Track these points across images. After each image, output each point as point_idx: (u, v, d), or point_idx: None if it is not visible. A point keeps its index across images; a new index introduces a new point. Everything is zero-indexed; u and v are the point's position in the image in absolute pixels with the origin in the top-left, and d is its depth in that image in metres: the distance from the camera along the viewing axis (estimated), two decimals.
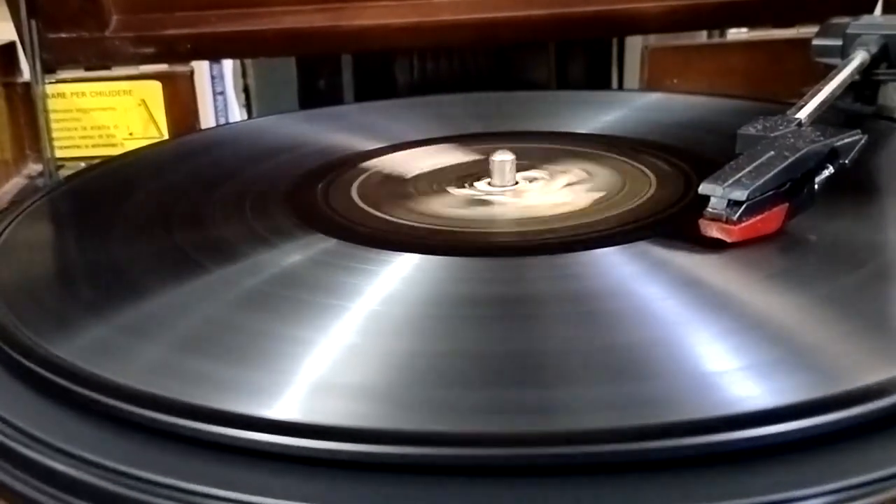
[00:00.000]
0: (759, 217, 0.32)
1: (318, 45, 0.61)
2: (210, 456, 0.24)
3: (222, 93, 0.88)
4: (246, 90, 0.75)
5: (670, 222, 0.36)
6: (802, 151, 0.34)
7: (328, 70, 0.68)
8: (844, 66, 0.46)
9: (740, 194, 0.32)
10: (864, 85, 0.48)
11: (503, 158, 0.41)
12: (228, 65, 0.85)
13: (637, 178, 0.42)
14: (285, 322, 0.30)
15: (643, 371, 0.26)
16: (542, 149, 0.47)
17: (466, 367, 0.27)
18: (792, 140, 0.35)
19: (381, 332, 0.29)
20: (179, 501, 0.23)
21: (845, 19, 0.50)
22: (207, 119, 0.76)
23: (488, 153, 0.42)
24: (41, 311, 0.32)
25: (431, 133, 0.51)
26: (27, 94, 0.58)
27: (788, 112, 0.40)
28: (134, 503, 0.23)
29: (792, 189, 0.34)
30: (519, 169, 0.42)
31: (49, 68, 0.58)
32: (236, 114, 0.84)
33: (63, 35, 0.57)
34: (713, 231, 0.32)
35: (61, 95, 0.59)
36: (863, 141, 0.36)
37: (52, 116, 0.58)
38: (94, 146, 0.60)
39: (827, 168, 0.35)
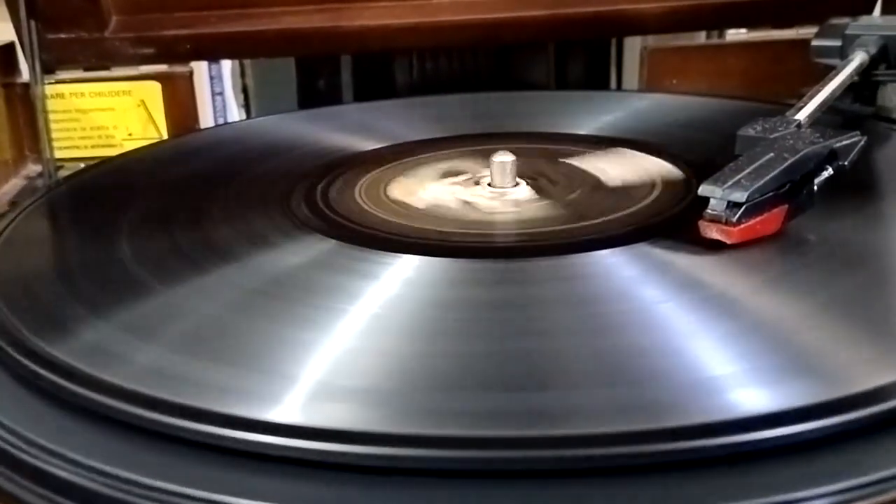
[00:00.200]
0: (758, 218, 0.33)
1: (317, 45, 0.61)
2: (211, 459, 0.24)
3: (221, 93, 0.87)
4: (245, 90, 0.74)
5: (671, 224, 0.36)
6: (802, 153, 0.34)
7: (327, 70, 0.67)
8: (844, 66, 0.46)
9: (740, 196, 0.32)
10: (863, 86, 0.48)
11: (503, 159, 0.41)
12: (227, 65, 0.84)
13: (637, 179, 0.42)
14: (285, 324, 0.30)
15: (645, 374, 0.26)
16: (542, 149, 0.47)
17: (467, 370, 0.27)
18: (791, 141, 0.35)
19: (381, 335, 0.29)
20: None
21: (844, 20, 0.50)
22: (206, 119, 0.76)
23: (488, 154, 0.42)
24: (40, 312, 0.32)
25: (431, 133, 0.51)
26: (26, 95, 0.58)
27: (788, 113, 0.40)
28: None
29: (791, 190, 0.34)
30: (519, 170, 0.42)
31: (48, 69, 0.58)
32: (235, 114, 0.84)
33: (62, 35, 0.57)
34: (713, 232, 0.32)
35: (60, 96, 0.59)
36: (862, 142, 0.36)
37: (52, 117, 0.58)
38: (93, 147, 0.60)
39: (826, 169, 0.35)
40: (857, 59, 0.47)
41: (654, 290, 0.31)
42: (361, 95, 0.67)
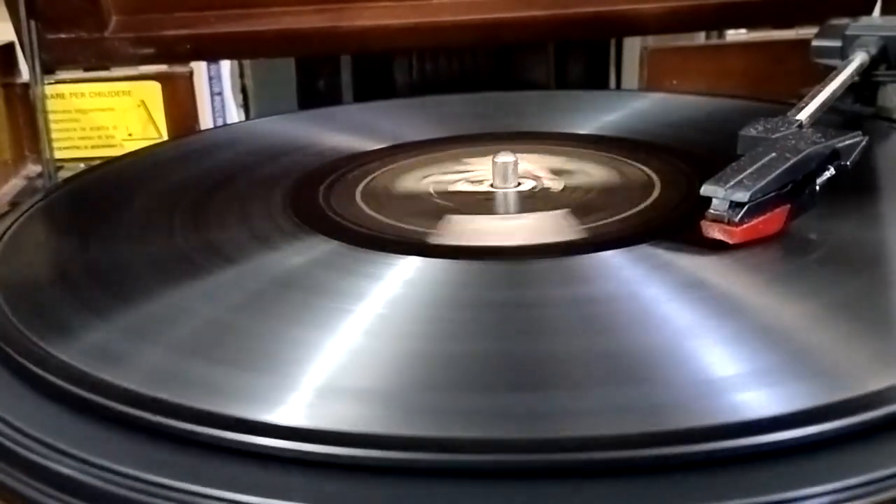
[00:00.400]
0: (760, 218, 0.33)
1: (317, 45, 0.61)
2: (213, 459, 0.24)
3: (220, 93, 0.87)
4: (244, 90, 0.74)
5: (672, 224, 0.36)
6: (804, 153, 0.34)
7: (327, 70, 0.67)
8: (844, 67, 0.46)
9: (742, 196, 0.32)
10: (863, 86, 0.48)
11: (505, 160, 0.41)
12: (226, 65, 0.84)
13: (640, 179, 0.42)
14: (289, 325, 0.30)
15: (648, 376, 0.26)
16: (544, 150, 0.47)
17: (470, 372, 0.27)
18: (793, 141, 0.35)
19: (384, 336, 0.29)
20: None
21: (844, 20, 0.50)
22: (205, 119, 0.76)
23: (490, 154, 0.42)
24: (43, 314, 0.32)
25: (433, 134, 0.51)
26: (26, 95, 0.58)
27: (789, 113, 0.40)
28: None
29: (793, 190, 0.34)
30: (521, 170, 0.42)
31: (48, 69, 0.58)
32: (234, 114, 0.84)
33: (62, 35, 0.57)
34: (715, 232, 0.32)
35: (60, 96, 0.59)
36: (864, 142, 0.36)
37: (51, 117, 0.58)
38: (93, 147, 0.59)
39: (828, 169, 0.35)
40: (858, 59, 0.47)
41: (657, 291, 0.31)
42: (361, 96, 0.67)
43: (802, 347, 0.27)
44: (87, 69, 0.60)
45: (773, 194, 0.33)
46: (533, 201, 0.40)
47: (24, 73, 0.59)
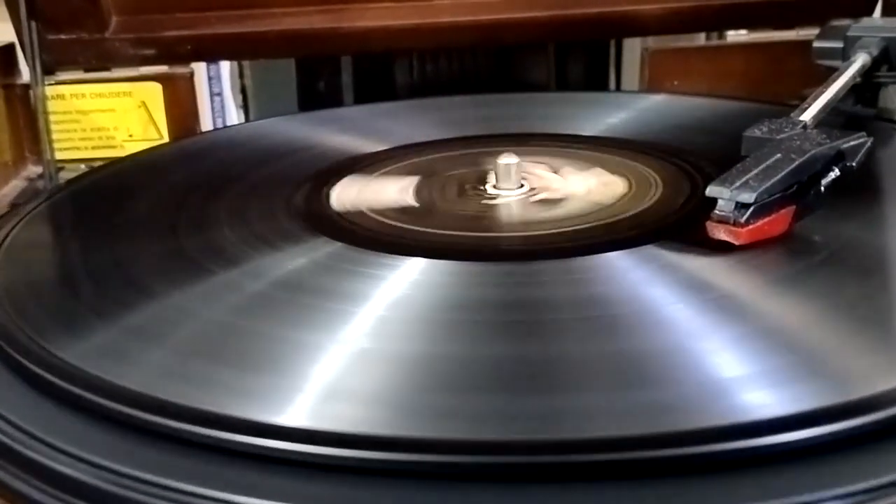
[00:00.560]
0: (766, 219, 0.33)
1: (318, 46, 0.61)
2: (215, 461, 0.24)
3: (219, 94, 0.87)
4: (243, 91, 0.74)
5: (677, 225, 0.36)
6: (809, 154, 0.34)
7: (328, 71, 0.67)
8: (846, 68, 0.46)
9: (748, 197, 0.32)
10: (864, 87, 0.48)
11: (508, 161, 0.41)
12: (226, 66, 0.84)
13: (643, 181, 0.42)
14: (293, 327, 0.30)
15: (653, 377, 0.26)
16: (546, 151, 0.47)
17: (474, 374, 0.27)
18: (798, 143, 0.35)
19: (388, 338, 0.29)
20: None
21: (845, 21, 0.50)
22: (204, 120, 0.76)
23: (493, 156, 0.42)
24: (47, 315, 0.32)
25: (435, 135, 0.51)
26: (26, 96, 0.58)
27: (793, 115, 0.40)
28: None
29: (798, 191, 0.34)
30: (524, 172, 0.42)
31: (49, 70, 0.58)
32: (233, 115, 0.84)
33: (63, 36, 0.57)
34: (721, 233, 0.32)
35: (61, 97, 0.59)
36: (869, 143, 0.36)
37: (52, 118, 0.58)
38: (93, 148, 0.59)
39: (833, 170, 0.35)
40: (860, 60, 0.47)
41: (663, 292, 0.31)
42: (362, 96, 0.67)
43: (809, 349, 0.27)
44: (87, 70, 0.60)
45: (778, 195, 0.33)
46: (537, 201, 0.40)
47: (25, 74, 0.59)
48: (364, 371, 0.27)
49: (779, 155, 0.34)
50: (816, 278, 0.31)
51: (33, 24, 0.56)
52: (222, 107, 0.87)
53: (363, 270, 0.33)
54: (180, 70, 0.61)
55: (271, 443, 0.23)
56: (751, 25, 0.64)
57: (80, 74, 0.60)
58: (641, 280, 0.32)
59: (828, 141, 0.35)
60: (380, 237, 0.37)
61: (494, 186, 0.42)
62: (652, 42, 0.66)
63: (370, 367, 0.27)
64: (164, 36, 0.59)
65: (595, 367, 0.27)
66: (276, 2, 0.59)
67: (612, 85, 0.70)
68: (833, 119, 0.42)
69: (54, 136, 0.58)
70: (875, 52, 0.48)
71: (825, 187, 0.35)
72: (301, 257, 0.35)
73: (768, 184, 0.32)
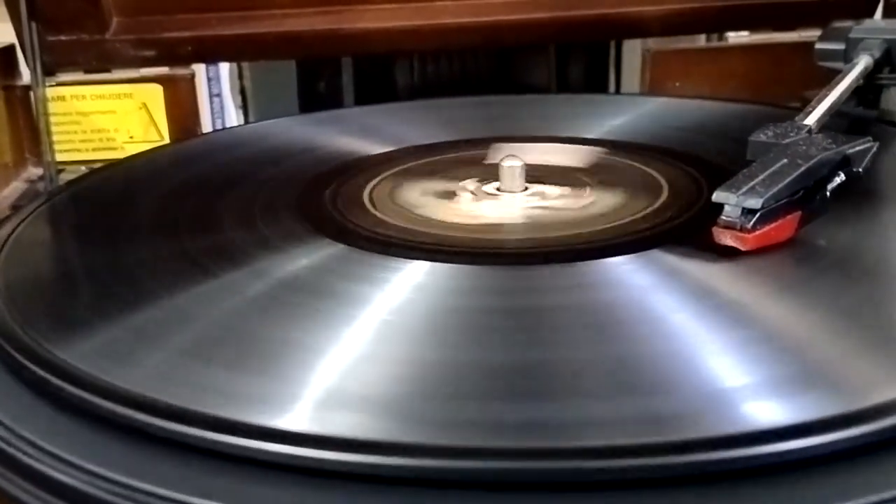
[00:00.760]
0: (772, 225, 0.32)
1: (319, 48, 0.60)
2: (217, 465, 0.24)
3: (219, 95, 0.87)
4: (242, 92, 0.74)
5: (682, 230, 0.36)
6: (815, 159, 0.34)
7: (328, 72, 0.67)
8: (849, 70, 0.46)
9: (755, 202, 0.32)
10: (866, 89, 0.48)
11: (512, 164, 0.41)
12: (225, 67, 0.84)
13: (647, 184, 0.42)
14: (294, 330, 0.29)
15: (657, 385, 0.26)
16: (550, 153, 0.47)
17: (476, 379, 0.26)
18: (804, 147, 0.35)
19: (390, 342, 0.29)
20: None
21: (847, 23, 0.50)
22: (203, 121, 0.76)
23: (497, 158, 0.42)
24: (48, 317, 0.32)
25: (438, 137, 0.51)
26: (27, 98, 0.58)
27: (797, 118, 0.40)
28: None
29: (805, 197, 0.34)
30: (527, 174, 0.42)
31: (49, 71, 0.58)
32: (232, 116, 0.84)
33: (63, 37, 0.57)
34: (727, 239, 0.32)
35: (61, 98, 0.58)
36: (875, 148, 0.36)
37: (52, 120, 0.58)
38: (94, 150, 0.59)
39: (838, 175, 0.35)
40: (863, 62, 0.47)
41: (668, 298, 0.31)
42: (362, 98, 0.67)
43: (815, 357, 0.27)
44: (87, 71, 0.59)
45: (784, 201, 0.33)
46: (542, 205, 0.40)
47: (25, 76, 0.59)
48: (365, 375, 0.27)
49: (785, 160, 0.34)
50: (823, 284, 0.31)
51: (34, 25, 0.56)
52: (221, 108, 0.87)
53: (366, 273, 0.33)
54: (181, 71, 0.61)
55: (271, 447, 0.23)
56: (752, 27, 0.64)
57: (80, 76, 0.59)
58: (646, 285, 0.32)
59: (834, 146, 0.35)
60: (382, 239, 0.37)
61: (498, 189, 0.42)
62: (652, 43, 0.66)
63: (371, 372, 0.27)
64: (164, 37, 0.58)
65: (599, 374, 0.26)
66: (277, 3, 0.59)
67: (612, 87, 0.70)
68: (835, 121, 0.42)
69: (55, 138, 0.58)
70: (877, 54, 0.48)
71: (831, 192, 0.35)
72: (303, 259, 0.35)
73: (775, 189, 0.32)
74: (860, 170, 0.35)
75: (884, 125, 0.47)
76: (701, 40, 0.69)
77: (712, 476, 0.22)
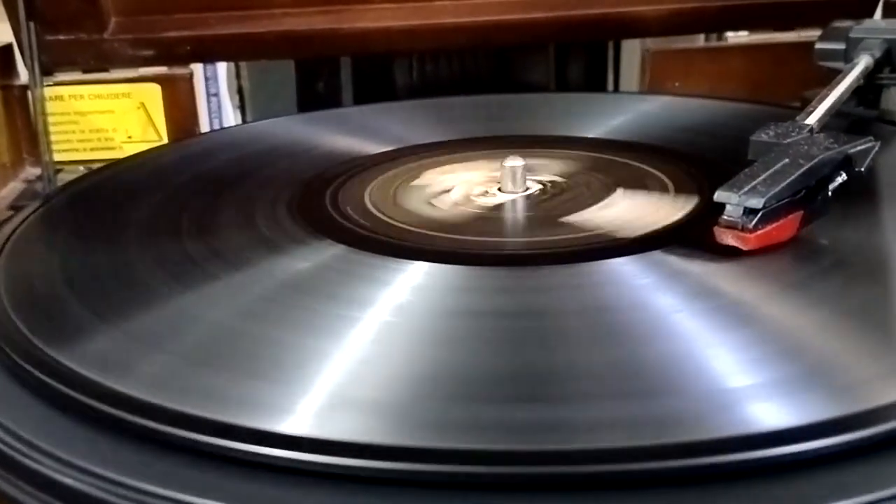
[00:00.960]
0: (774, 225, 0.32)
1: (318, 47, 0.60)
2: (217, 469, 0.24)
3: (216, 94, 0.87)
4: (240, 91, 0.74)
5: (684, 230, 0.36)
6: (817, 159, 0.34)
7: (327, 72, 0.67)
8: (850, 70, 0.46)
9: (757, 202, 0.32)
10: (867, 89, 0.48)
11: (514, 164, 0.41)
12: (222, 66, 0.84)
13: (649, 184, 0.42)
14: (295, 332, 0.29)
15: (659, 386, 0.25)
16: (552, 153, 0.47)
17: (479, 381, 0.26)
18: (806, 147, 0.35)
19: (392, 344, 0.29)
20: None
21: (847, 23, 0.50)
22: (201, 121, 0.76)
23: (498, 158, 0.42)
24: (48, 319, 0.32)
25: (439, 136, 0.51)
26: (25, 97, 0.58)
27: (798, 118, 0.40)
28: None
29: (806, 196, 0.34)
30: (529, 174, 0.42)
31: (47, 71, 0.57)
32: (230, 115, 0.83)
33: (61, 37, 0.57)
34: (729, 239, 0.32)
35: (59, 98, 0.58)
36: (876, 148, 0.36)
37: (50, 119, 0.58)
38: (92, 149, 0.59)
39: (840, 175, 0.35)
40: (863, 62, 0.47)
41: (670, 299, 0.31)
42: (361, 97, 0.67)
43: (818, 358, 0.27)
44: (86, 71, 0.59)
45: (786, 200, 0.33)
46: (543, 207, 0.40)
47: (23, 75, 0.59)
48: (368, 378, 0.27)
49: (786, 160, 0.34)
50: (825, 284, 0.31)
51: (32, 24, 0.55)
52: (219, 107, 0.87)
53: (368, 274, 0.33)
54: (179, 71, 0.61)
55: (274, 451, 0.23)
56: (751, 26, 0.65)
57: (78, 75, 0.59)
58: (648, 286, 0.31)
59: (835, 145, 0.35)
60: (384, 240, 0.36)
61: (500, 189, 0.41)
62: (651, 43, 0.66)
63: (373, 374, 0.27)
64: (163, 37, 0.58)
65: (601, 376, 0.26)
66: (276, 2, 0.59)
67: (610, 86, 0.70)
68: (836, 121, 0.42)
69: (53, 138, 0.58)
70: (877, 53, 0.48)
71: (832, 192, 0.35)
72: (304, 261, 0.35)
73: (776, 189, 0.32)
74: (862, 169, 0.35)
75: (884, 125, 0.47)
76: (700, 40, 0.69)
77: (714, 477, 0.22)
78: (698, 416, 0.24)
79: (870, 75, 0.48)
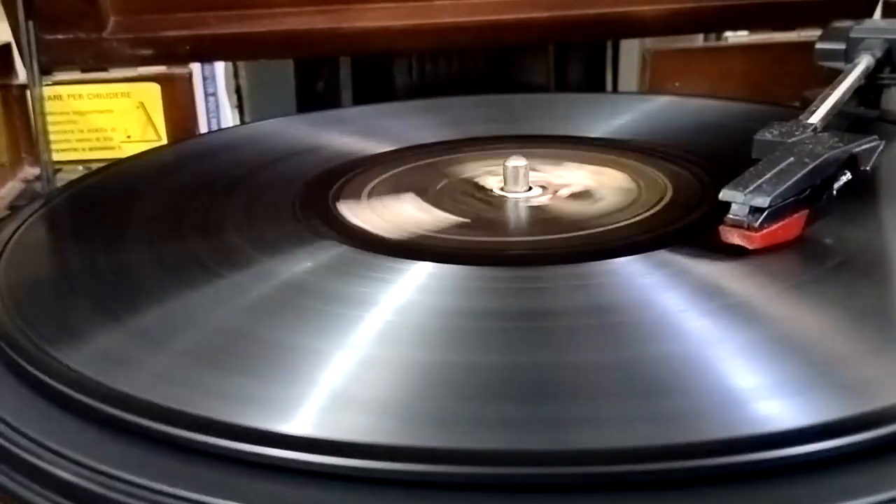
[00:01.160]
0: (779, 224, 0.32)
1: (318, 47, 0.60)
2: (218, 469, 0.24)
3: (214, 94, 0.87)
4: (238, 91, 0.74)
5: (689, 229, 0.36)
6: (822, 158, 0.34)
7: (326, 71, 0.67)
8: (851, 70, 0.46)
9: (762, 201, 0.32)
10: (867, 89, 0.48)
11: (516, 164, 0.41)
12: (220, 66, 0.84)
13: (652, 184, 0.42)
14: (296, 332, 0.29)
15: (664, 386, 0.25)
16: (553, 153, 0.47)
17: (482, 382, 0.26)
18: (811, 146, 0.35)
19: (394, 344, 0.29)
20: None
21: (847, 23, 0.50)
22: (199, 121, 0.76)
23: (500, 158, 0.42)
24: (50, 320, 0.31)
25: (440, 136, 0.51)
26: (23, 97, 0.58)
27: (801, 117, 0.40)
28: None
29: (811, 195, 0.34)
30: (531, 174, 0.42)
31: (46, 70, 0.57)
32: (228, 115, 0.83)
33: (60, 36, 0.57)
34: (734, 238, 0.32)
35: (58, 98, 0.58)
36: (881, 147, 0.36)
37: (49, 119, 0.57)
38: (91, 149, 0.59)
39: (845, 174, 0.35)
40: (864, 62, 0.47)
41: (675, 299, 0.30)
42: (360, 97, 0.67)
43: (824, 358, 0.27)
44: (85, 70, 0.59)
45: (791, 199, 0.33)
46: (546, 207, 0.40)
47: (22, 75, 0.59)
48: (370, 378, 0.27)
49: (792, 159, 0.34)
50: (831, 284, 0.31)
51: (30, 23, 0.55)
52: (217, 107, 0.87)
53: (369, 274, 0.33)
54: (179, 70, 0.60)
55: (275, 451, 0.23)
56: (751, 26, 0.65)
57: (77, 75, 0.59)
58: (653, 286, 0.31)
59: (840, 144, 0.35)
60: (386, 240, 0.36)
61: (502, 189, 0.41)
62: (650, 43, 0.66)
63: (376, 375, 0.27)
64: (162, 36, 0.58)
65: (606, 376, 0.26)
66: (276, 2, 0.59)
67: (609, 86, 0.70)
68: (837, 121, 0.42)
69: (51, 138, 0.57)
70: (878, 53, 0.48)
71: (836, 191, 0.35)
72: (306, 261, 0.35)
73: (782, 188, 0.32)
74: (868, 168, 0.35)
75: (885, 125, 0.47)
76: (699, 40, 0.69)
77: (719, 478, 0.22)
78: (703, 416, 0.24)
79: (870, 75, 0.48)
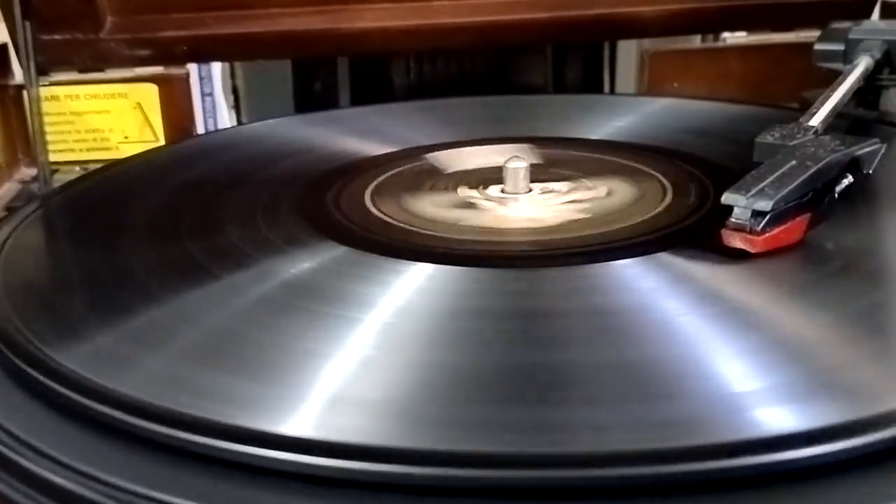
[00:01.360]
0: (782, 227, 0.32)
1: (316, 47, 0.60)
2: (221, 472, 0.23)
3: (210, 94, 0.87)
4: (234, 91, 0.74)
5: (690, 232, 0.36)
6: (824, 161, 0.34)
7: (324, 71, 0.67)
8: (851, 71, 0.46)
9: (765, 205, 0.31)
10: (866, 90, 0.48)
11: (516, 165, 0.41)
12: (217, 66, 0.84)
13: (652, 186, 0.42)
14: (295, 334, 0.29)
15: (663, 390, 0.25)
16: (554, 154, 0.46)
17: (482, 384, 0.26)
18: (812, 149, 0.35)
19: (393, 346, 0.29)
20: None
21: (846, 24, 0.50)
22: (196, 121, 0.76)
23: (500, 159, 0.42)
24: (47, 321, 0.31)
25: (440, 138, 0.51)
26: (20, 97, 0.57)
27: (801, 119, 0.40)
28: None
29: (813, 199, 0.33)
30: (532, 176, 0.42)
31: (43, 71, 0.57)
32: (224, 115, 0.83)
33: (57, 37, 0.57)
34: (736, 241, 0.32)
35: (55, 98, 0.58)
36: (883, 150, 0.36)
37: (46, 120, 0.57)
38: (88, 150, 0.59)
39: (846, 177, 0.35)
40: (863, 63, 0.47)
41: (676, 302, 0.30)
42: (358, 97, 0.67)
43: (825, 362, 0.27)
44: (82, 71, 0.59)
45: (794, 203, 0.33)
46: (546, 208, 0.40)
47: (18, 75, 0.59)
48: (368, 380, 0.27)
49: (793, 162, 0.34)
50: (832, 288, 0.31)
51: (27, 24, 0.55)
52: (213, 107, 0.87)
53: (369, 275, 0.33)
54: (176, 71, 0.60)
55: (274, 453, 0.23)
56: (750, 27, 0.65)
57: (74, 75, 0.59)
58: (654, 289, 0.31)
59: (842, 147, 0.35)
60: (386, 242, 0.36)
61: (502, 191, 0.41)
62: (649, 44, 0.66)
63: (375, 376, 0.27)
64: (159, 36, 0.58)
65: (605, 379, 0.26)
66: (274, 2, 0.59)
67: (607, 87, 0.70)
68: (836, 123, 0.42)
69: (48, 138, 0.57)
70: (877, 54, 0.48)
71: (838, 194, 0.34)
72: (305, 262, 0.34)
73: (785, 191, 0.32)
74: (870, 171, 0.35)
75: (884, 126, 0.47)
76: (697, 41, 0.69)
77: (717, 482, 0.22)
78: (703, 420, 0.24)
79: (869, 76, 0.48)
